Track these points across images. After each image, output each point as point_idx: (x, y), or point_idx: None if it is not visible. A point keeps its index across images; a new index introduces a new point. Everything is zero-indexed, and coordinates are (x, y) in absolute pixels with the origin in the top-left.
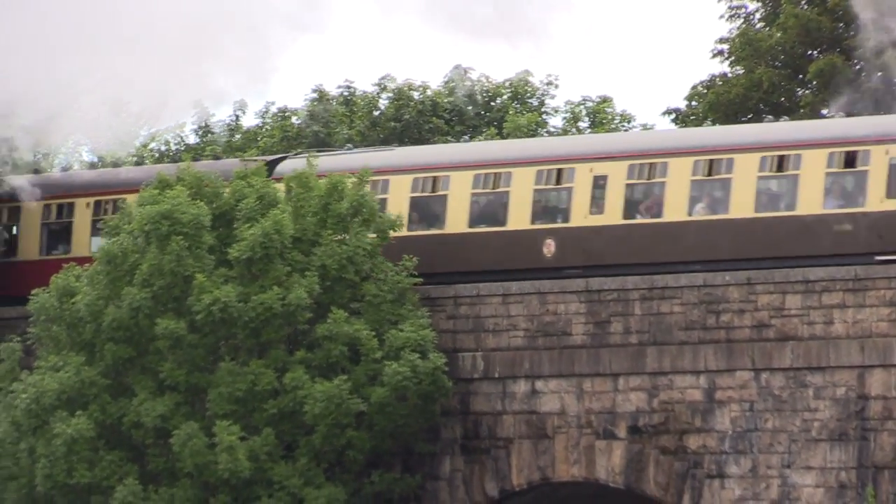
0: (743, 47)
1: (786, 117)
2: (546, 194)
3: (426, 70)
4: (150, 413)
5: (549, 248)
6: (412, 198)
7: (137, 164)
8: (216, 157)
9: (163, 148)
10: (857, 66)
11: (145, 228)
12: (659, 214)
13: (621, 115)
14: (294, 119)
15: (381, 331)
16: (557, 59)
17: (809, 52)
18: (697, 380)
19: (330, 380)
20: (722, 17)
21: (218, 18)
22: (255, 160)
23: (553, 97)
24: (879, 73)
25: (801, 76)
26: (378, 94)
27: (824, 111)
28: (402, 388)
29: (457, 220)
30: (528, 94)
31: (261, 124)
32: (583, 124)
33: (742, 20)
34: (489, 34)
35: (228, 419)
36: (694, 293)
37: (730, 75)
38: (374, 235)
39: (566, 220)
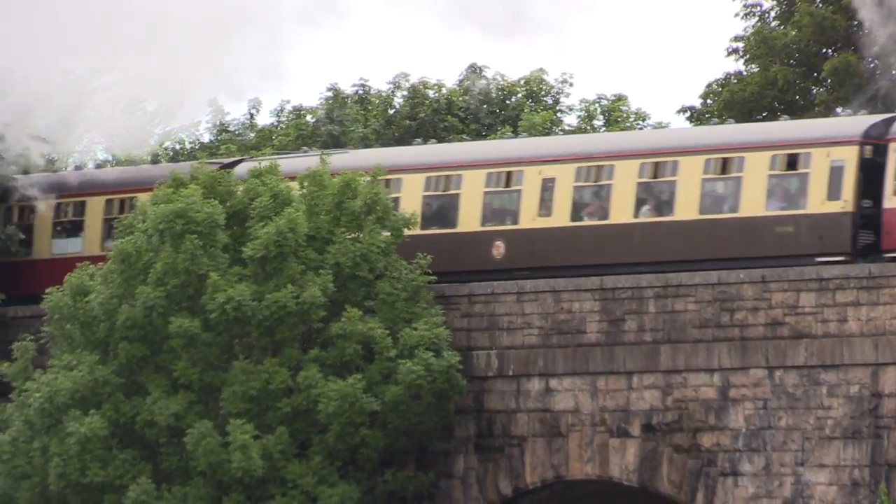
0: (758, 45)
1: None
2: (496, 196)
3: (441, 68)
4: (163, 412)
5: (499, 249)
6: None
7: (154, 162)
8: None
9: (177, 146)
10: (872, 65)
11: (159, 227)
12: (605, 217)
13: (636, 114)
14: (309, 117)
15: (395, 329)
16: (572, 58)
17: (824, 50)
18: (711, 378)
19: (344, 378)
20: (737, 15)
21: (232, 15)
22: (211, 163)
23: (568, 95)
24: (886, 73)
25: (815, 74)
26: (393, 92)
27: (838, 109)
28: (416, 386)
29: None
30: (543, 93)
31: (276, 123)
32: (598, 122)
33: (757, 18)
34: (502, 33)
35: (242, 418)
36: (708, 291)
37: (745, 73)
38: (388, 234)
39: (515, 221)
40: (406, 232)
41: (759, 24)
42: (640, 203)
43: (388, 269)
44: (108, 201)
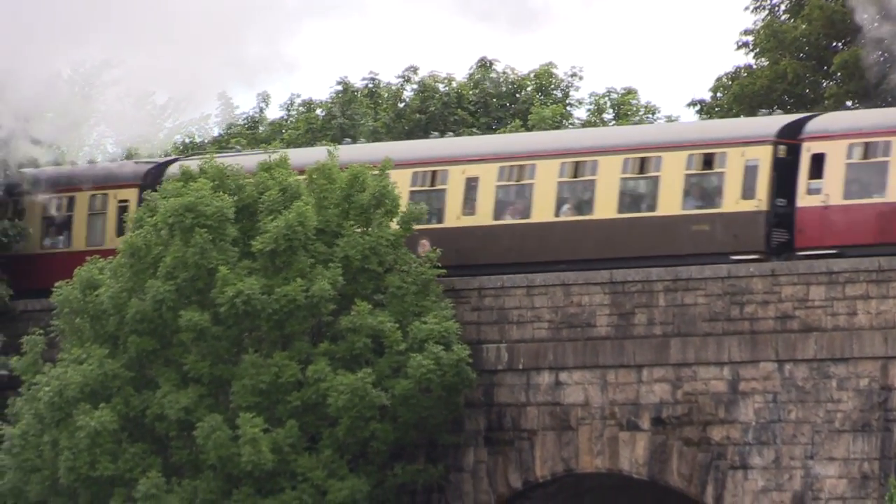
0: (767, 39)
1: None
2: (421, 195)
3: (451, 62)
4: (173, 405)
5: (424, 247)
6: None
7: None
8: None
9: (187, 140)
10: (882, 58)
11: (169, 221)
12: (527, 215)
13: (646, 107)
14: (318, 111)
15: (404, 323)
16: (582, 51)
17: (834, 43)
18: (721, 371)
19: (354, 372)
20: (747, 8)
21: (242, 7)
22: (149, 162)
23: (577, 89)
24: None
25: (825, 68)
26: (403, 85)
27: (848, 103)
28: (426, 380)
29: None
30: (553, 86)
31: (286, 116)
32: (607, 116)
33: (767, 12)
34: (511, 26)
35: (252, 411)
36: (718, 284)
37: (754, 67)
38: (397, 226)
39: (440, 220)
40: None
41: (768, 17)
42: (560, 202)
43: (398, 262)
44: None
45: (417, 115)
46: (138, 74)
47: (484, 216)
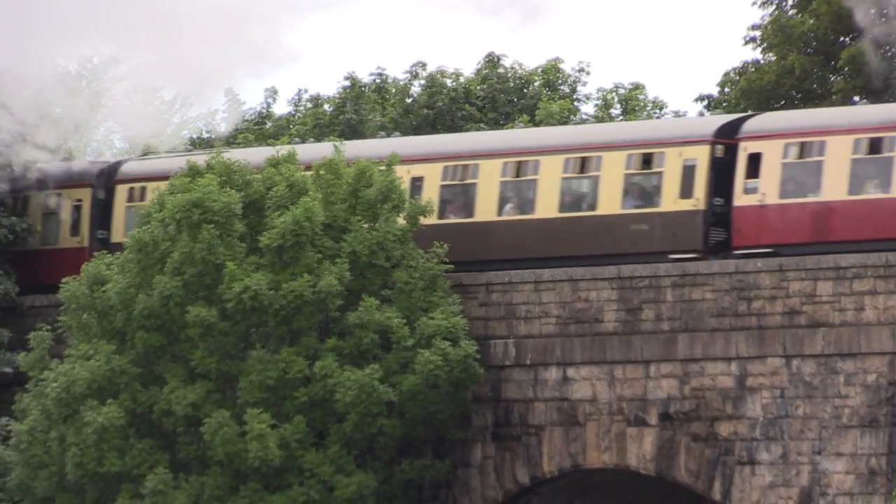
0: (775, 34)
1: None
2: None
3: (459, 57)
4: (180, 401)
5: None
6: None
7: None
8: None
9: (194, 136)
10: (890, 54)
11: (176, 216)
12: (470, 215)
13: (653, 102)
14: (326, 106)
15: (412, 318)
16: (590, 46)
17: (841, 38)
18: (729, 366)
19: (361, 368)
20: (754, 3)
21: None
22: (101, 162)
23: (585, 84)
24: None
25: (833, 63)
26: (410, 81)
27: (855, 98)
28: (434, 376)
29: None
30: (560, 82)
31: (293, 112)
32: (615, 111)
33: (774, 7)
34: (519, 20)
35: (259, 407)
36: (725, 280)
37: (762, 62)
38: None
39: None
40: None
41: (776, 12)
42: (503, 202)
43: (405, 257)
44: None
45: (425, 111)
46: (145, 70)
47: (428, 216)
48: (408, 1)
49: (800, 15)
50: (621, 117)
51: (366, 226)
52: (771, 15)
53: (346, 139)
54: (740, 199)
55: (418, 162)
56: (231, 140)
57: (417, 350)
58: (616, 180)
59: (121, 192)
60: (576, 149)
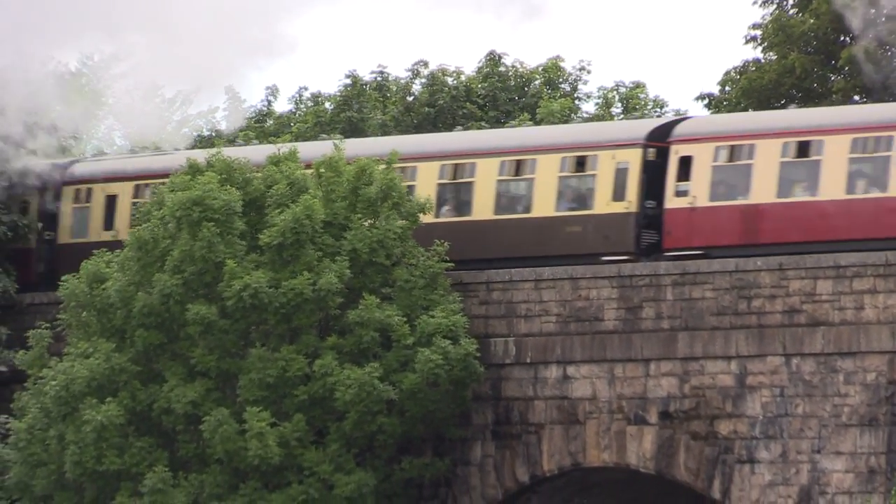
0: (776, 33)
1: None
2: None
3: (460, 56)
4: (180, 399)
5: None
6: None
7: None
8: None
9: (195, 134)
10: (889, 53)
11: (176, 214)
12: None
13: (654, 101)
14: (327, 104)
15: (412, 316)
16: (591, 45)
17: (842, 38)
18: (728, 365)
19: (361, 366)
20: (755, 2)
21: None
22: (62, 164)
23: (586, 83)
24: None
25: (833, 62)
26: (411, 79)
27: (855, 97)
28: (434, 374)
29: None
30: (561, 80)
31: (294, 110)
32: (615, 110)
33: (775, 6)
34: (519, 18)
35: (259, 405)
36: (726, 279)
37: (762, 61)
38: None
39: None
40: None
41: (777, 11)
42: (440, 203)
43: (406, 255)
44: None
45: (426, 109)
46: (145, 67)
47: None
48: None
49: (800, 14)
50: (622, 116)
51: (366, 224)
52: (772, 14)
53: (347, 137)
54: (671, 202)
55: None
56: (232, 138)
57: (417, 349)
58: (550, 183)
59: (68, 193)
60: (511, 151)
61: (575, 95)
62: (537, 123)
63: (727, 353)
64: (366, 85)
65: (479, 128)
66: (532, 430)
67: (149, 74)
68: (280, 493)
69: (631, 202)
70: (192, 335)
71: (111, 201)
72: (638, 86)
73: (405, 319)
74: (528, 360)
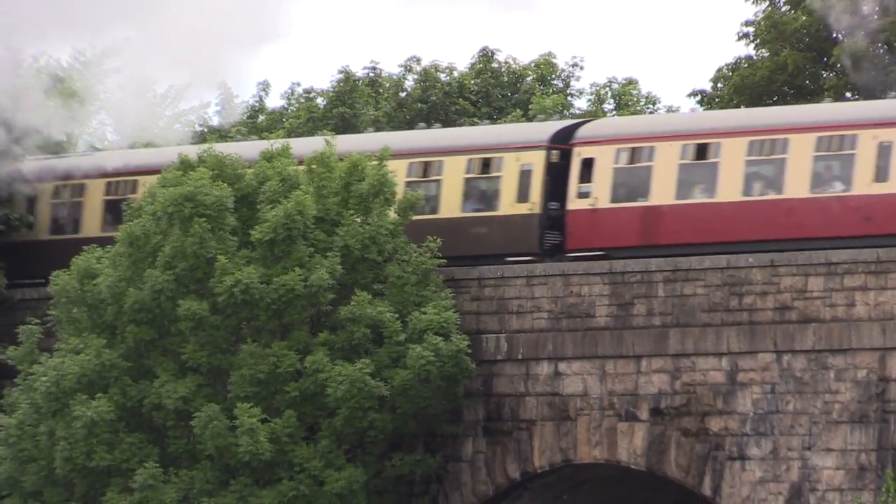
0: (768, 30)
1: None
2: None
3: (453, 52)
4: (171, 395)
5: None
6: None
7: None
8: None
9: (187, 129)
10: (882, 50)
11: (168, 210)
12: None
13: (647, 98)
14: (319, 100)
15: (404, 313)
16: (583, 41)
17: (834, 34)
18: (719, 362)
19: (352, 362)
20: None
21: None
22: None
23: (578, 79)
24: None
25: (825, 59)
26: (404, 75)
27: (847, 94)
28: (425, 371)
29: None
30: (554, 76)
31: (286, 106)
32: (608, 106)
33: (767, 3)
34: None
35: (250, 401)
36: (717, 275)
37: (755, 58)
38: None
39: None
40: None
41: (769, 8)
42: None
43: (397, 251)
44: None
45: (419, 105)
46: (137, 61)
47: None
48: None
49: (793, 11)
50: (614, 112)
51: (358, 220)
52: (764, 11)
53: (340, 133)
54: (574, 203)
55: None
56: (226, 133)
57: (409, 345)
58: (457, 184)
59: None
60: (418, 153)
61: (567, 92)
62: (530, 120)
63: (718, 350)
64: (358, 81)
65: (472, 124)
66: (523, 426)
67: (141, 69)
68: (270, 489)
69: (535, 204)
70: (183, 331)
71: None
72: (630, 82)
73: (397, 316)
74: (520, 357)
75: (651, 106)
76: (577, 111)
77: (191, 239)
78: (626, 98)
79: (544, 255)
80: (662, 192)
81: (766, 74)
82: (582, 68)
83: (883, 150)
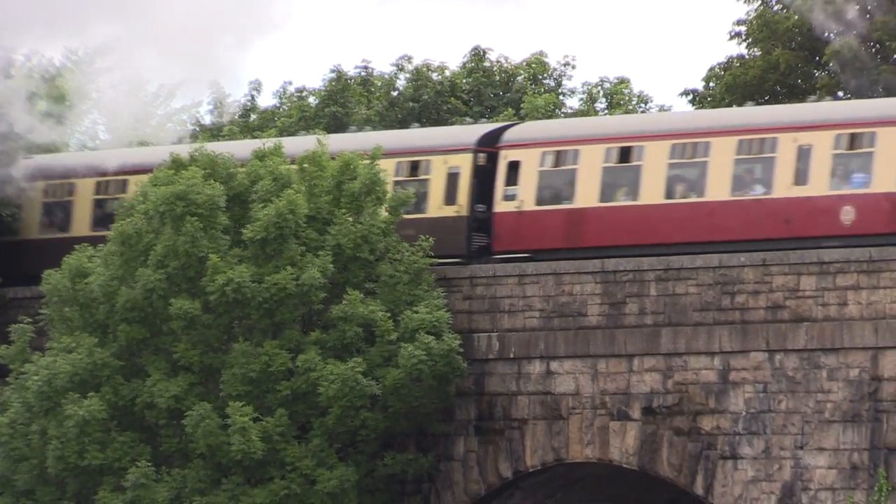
0: (760, 29)
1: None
2: None
3: (445, 51)
4: (163, 394)
5: None
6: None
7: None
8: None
9: (179, 129)
10: (874, 50)
11: (160, 209)
12: None
13: (639, 97)
14: (311, 99)
15: (396, 312)
16: (575, 40)
17: (826, 34)
18: (712, 361)
19: (344, 361)
20: None
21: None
22: None
23: (570, 78)
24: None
25: (817, 58)
26: (396, 74)
27: (839, 94)
28: (417, 370)
29: None
30: (545, 76)
31: (278, 105)
32: (600, 105)
33: (759, 2)
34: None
35: (242, 400)
36: (709, 274)
37: (747, 57)
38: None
39: None
40: None
41: (761, 7)
42: None
43: (390, 250)
44: None
45: (410, 104)
46: (129, 60)
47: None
48: None
49: (785, 10)
50: (606, 111)
51: (350, 219)
52: (756, 10)
53: (332, 132)
54: (500, 206)
55: None
56: (218, 132)
57: (401, 344)
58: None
59: None
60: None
61: (559, 91)
62: (522, 119)
63: (710, 349)
64: (350, 80)
65: (463, 123)
66: (515, 425)
67: (132, 68)
68: (262, 488)
69: (462, 206)
70: (175, 330)
71: None
72: (622, 81)
73: (389, 315)
74: (512, 356)
75: (643, 105)
76: (570, 110)
77: (182, 238)
78: (618, 97)
79: (472, 257)
80: (587, 194)
81: (759, 74)
82: (574, 67)
83: (802, 153)
